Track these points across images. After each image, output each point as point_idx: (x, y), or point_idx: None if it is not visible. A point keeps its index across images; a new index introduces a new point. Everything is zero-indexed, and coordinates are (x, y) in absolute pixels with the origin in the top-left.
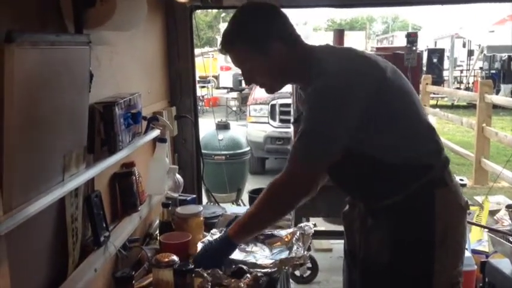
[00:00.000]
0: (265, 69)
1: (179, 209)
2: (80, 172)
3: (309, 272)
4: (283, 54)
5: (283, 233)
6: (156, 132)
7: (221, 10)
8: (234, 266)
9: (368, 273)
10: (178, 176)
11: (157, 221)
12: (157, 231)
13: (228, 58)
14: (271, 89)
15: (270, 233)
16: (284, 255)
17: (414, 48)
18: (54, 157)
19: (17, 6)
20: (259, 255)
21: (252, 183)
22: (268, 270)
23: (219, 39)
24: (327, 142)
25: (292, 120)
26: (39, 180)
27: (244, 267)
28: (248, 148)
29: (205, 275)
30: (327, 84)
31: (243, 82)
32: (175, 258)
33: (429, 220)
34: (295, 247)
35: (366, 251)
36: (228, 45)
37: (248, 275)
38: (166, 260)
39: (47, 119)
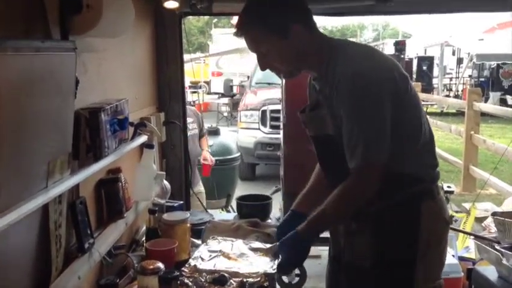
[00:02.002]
0: (283, 52)
1: (166, 216)
2: (64, 178)
3: (297, 278)
4: (302, 39)
5: (267, 244)
6: (143, 138)
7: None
8: (216, 274)
9: (352, 277)
10: (165, 182)
11: (144, 228)
12: (144, 238)
13: (220, 63)
14: (287, 75)
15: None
16: (268, 266)
17: (402, 56)
18: (37, 163)
19: (1, 12)
20: (242, 264)
21: (242, 189)
22: (251, 279)
23: (211, 44)
24: (382, 133)
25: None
26: (21, 186)
27: (226, 275)
28: (238, 154)
29: (190, 283)
30: (365, 80)
31: (234, 88)
32: (160, 265)
33: (413, 229)
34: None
35: (349, 255)
36: (246, 27)
37: (233, 282)
38: (152, 267)
39: (30, 125)
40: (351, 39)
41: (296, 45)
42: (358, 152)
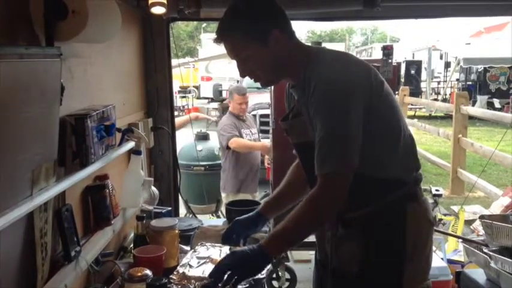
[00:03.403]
0: (263, 59)
1: (154, 222)
2: (49, 186)
3: (287, 283)
4: (282, 46)
5: None
6: (130, 144)
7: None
8: (205, 281)
9: (339, 283)
10: (153, 188)
11: (132, 234)
12: (132, 245)
13: (209, 68)
14: (266, 82)
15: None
16: None
17: (390, 60)
18: (21, 171)
19: None
20: None
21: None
22: (240, 286)
23: (200, 49)
24: (352, 142)
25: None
26: (4, 195)
27: None
28: None
29: None
30: (337, 87)
31: (224, 92)
32: (148, 272)
33: (400, 232)
34: None
35: (336, 260)
36: (226, 33)
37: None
38: (139, 274)
39: (13, 132)
40: (340, 44)
41: (275, 53)
42: (329, 159)
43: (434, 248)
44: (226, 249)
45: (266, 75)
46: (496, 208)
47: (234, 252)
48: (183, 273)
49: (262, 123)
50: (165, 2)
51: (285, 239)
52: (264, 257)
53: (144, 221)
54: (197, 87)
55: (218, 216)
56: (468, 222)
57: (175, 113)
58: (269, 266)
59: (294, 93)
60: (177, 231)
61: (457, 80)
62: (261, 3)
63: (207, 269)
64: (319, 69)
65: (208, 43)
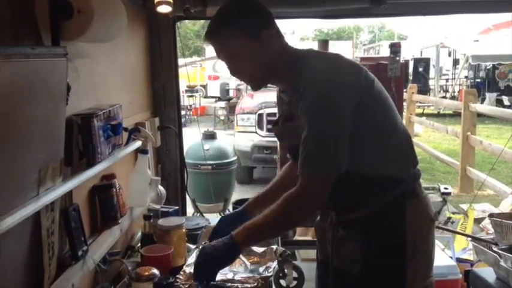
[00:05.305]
0: (254, 57)
1: (161, 221)
2: (56, 185)
3: (295, 282)
4: (273, 46)
5: (260, 249)
6: (137, 144)
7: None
8: (212, 282)
9: (340, 283)
10: (160, 187)
11: (139, 234)
12: (139, 244)
13: (217, 67)
14: (255, 82)
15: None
16: (261, 269)
17: (397, 58)
18: (27, 171)
19: None
20: (237, 269)
21: (239, 192)
22: (248, 285)
23: (207, 48)
24: (337, 145)
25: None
26: (11, 195)
27: (223, 282)
28: (235, 158)
29: None
30: (326, 90)
31: (231, 91)
32: (155, 271)
33: (400, 231)
34: (270, 263)
35: (338, 260)
36: (217, 29)
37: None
38: (147, 273)
39: (20, 132)
40: (348, 41)
41: (267, 52)
42: (312, 160)
43: (443, 247)
44: None
45: (255, 74)
46: (506, 206)
47: (204, 248)
48: (190, 272)
49: (269, 122)
50: (171, 0)
51: (257, 233)
52: (234, 249)
53: (152, 220)
54: (204, 86)
55: None
56: (477, 221)
57: (183, 112)
58: (275, 265)
59: (284, 97)
60: (184, 230)
61: (466, 77)
62: (248, 6)
63: None
64: (308, 73)
65: None
